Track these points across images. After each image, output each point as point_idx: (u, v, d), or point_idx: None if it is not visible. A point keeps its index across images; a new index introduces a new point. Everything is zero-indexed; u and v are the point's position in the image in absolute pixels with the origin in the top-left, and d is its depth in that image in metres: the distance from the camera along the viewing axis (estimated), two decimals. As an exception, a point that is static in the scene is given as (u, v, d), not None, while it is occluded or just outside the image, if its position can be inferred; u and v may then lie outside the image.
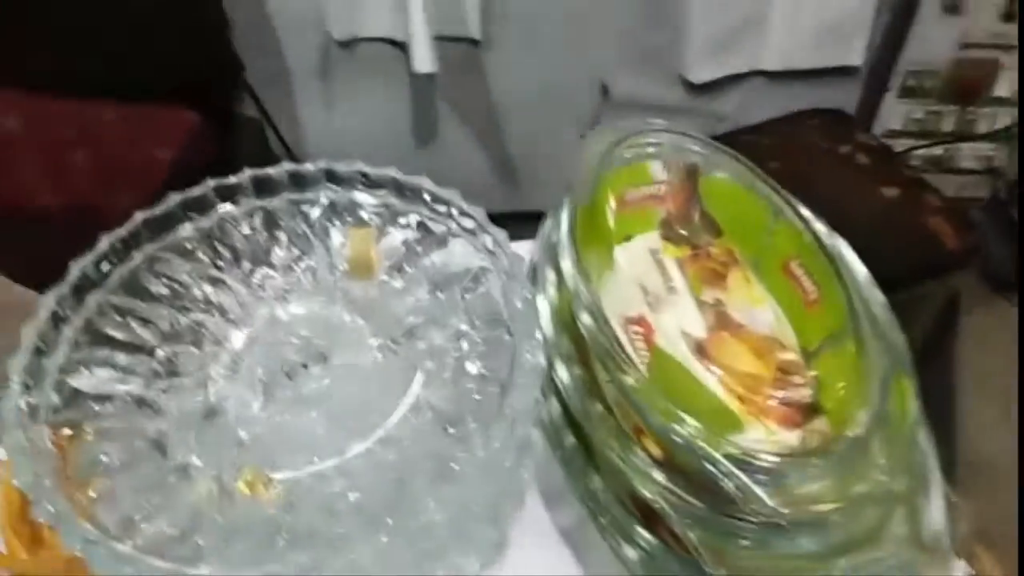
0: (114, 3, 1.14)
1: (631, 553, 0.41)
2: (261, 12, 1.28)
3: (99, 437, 0.38)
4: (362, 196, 0.48)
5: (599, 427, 0.41)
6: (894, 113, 1.40)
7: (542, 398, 0.46)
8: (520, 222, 0.50)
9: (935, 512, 0.39)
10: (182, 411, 0.40)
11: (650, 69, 1.32)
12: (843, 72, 1.36)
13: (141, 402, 0.40)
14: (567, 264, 0.44)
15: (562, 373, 0.44)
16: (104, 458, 0.37)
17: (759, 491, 0.34)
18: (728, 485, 0.35)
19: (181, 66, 1.22)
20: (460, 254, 0.45)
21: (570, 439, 0.45)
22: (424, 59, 1.17)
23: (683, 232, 0.50)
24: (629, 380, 0.38)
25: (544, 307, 0.46)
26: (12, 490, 0.40)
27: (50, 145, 1.17)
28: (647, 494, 0.39)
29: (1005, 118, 1.38)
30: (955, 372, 1.29)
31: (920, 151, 1.42)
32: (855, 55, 1.33)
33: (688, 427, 0.36)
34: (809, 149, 1.29)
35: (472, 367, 0.40)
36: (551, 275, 0.48)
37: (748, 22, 1.30)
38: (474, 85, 1.31)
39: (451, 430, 0.38)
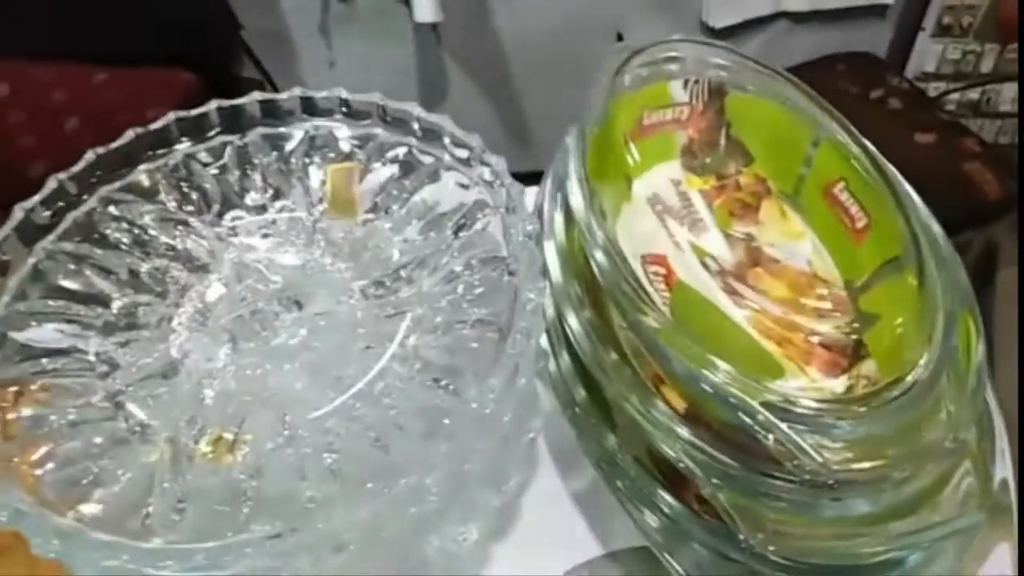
0: None
1: (652, 520, 0.36)
2: (257, -34, 1.23)
3: (48, 396, 0.33)
4: (343, 128, 0.42)
5: (615, 379, 0.36)
6: (928, 54, 1.32)
7: (550, 351, 0.41)
8: (534, 183, 0.45)
9: (1000, 467, 0.34)
10: (140, 367, 0.35)
11: (667, 15, 1.24)
12: (873, 11, 1.28)
13: (96, 358, 0.35)
14: (577, 198, 0.38)
15: (572, 322, 0.38)
16: (53, 418, 0.33)
17: (805, 444, 0.28)
18: (767, 439, 0.29)
19: (176, 26, 1.17)
20: (453, 188, 0.40)
21: (582, 394, 0.40)
22: (426, 8, 1.11)
23: (708, 160, 0.45)
24: (650, 322, 0.33)
25: (551, 250, 0.40)
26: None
27: (42, 111, 1.13)
28: (670, 452, 0.33)
29: (1049, 57, 1.29)
30: (992, 330, 1.22)
31: (956, 94, 1.34)
32: (887, -10, 1.25)
33: (719, 373, 0.30)
34: (838, 95, 1.21)
35: (468, 312, 0.35)
36: (559, 215, 0.42)
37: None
38: (481, 36, 1.24)
39: (443, 382, 0.33)
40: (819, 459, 0.29)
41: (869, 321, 0.36)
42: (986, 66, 1.33)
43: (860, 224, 0.37)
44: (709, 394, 0.31)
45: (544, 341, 0.40)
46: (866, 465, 0.30)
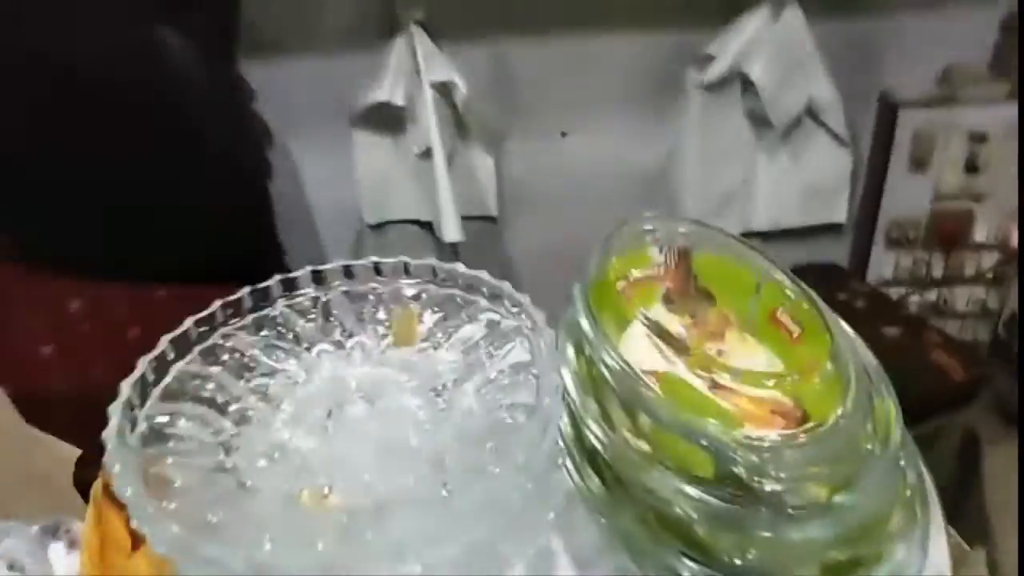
0: (166, 190, 1.29)
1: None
2: (302, 203, 1.45)
3: (176, 466, 0.43)
4: (404, 284, 0.56)
5: (621, 461, 0.46)
6: (884, 263, 1.50)
7: (567, 452, 0.51)
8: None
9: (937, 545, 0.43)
10: (251, 448, 0.45)
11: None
12: (830, 228, 1.49)
13: (215, 444, 0.46)
14: (586, 324, 0.51)
15: (595, 429, 0.49)
16: (178, 483, 0.42)
17: (769, 468, 0.38)
18: (740, 469, 0.39)
19: (229, 250, 1.36)
20: (488, 323, 0.53)
21: (596, 483, 0.49)
22: (452, 230, 1.31)
23: (682, 304, 0.58)
24: (649, 394, 0.44)
25: (568, 377, 0.52)
26: (103, 508, 0.44)
27: (109, 326, 1.27)
28: (678, 510, 0.43)
29: (988, 261, 1.48)
30: (986, 511, 1.28)
31: (916, 296, 1.51)
32: (839, 212, 1.46)
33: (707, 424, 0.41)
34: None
35: (503, 401, 0.46)
36: (571, 351, 0.54)
37: (737, 190, 1.45)
38: (492, 253, 1.44)
39: (489, 445, 0.43)
40: (777, 480, 0.38)
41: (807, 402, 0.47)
42: (936, 272, 1.51)
43: (796, 335, 0.49)
44: (700, 443, 0.41)
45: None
46: (814, 491, 0.40)
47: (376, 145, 1.40)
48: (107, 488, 0.48)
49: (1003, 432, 1.44)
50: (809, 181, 1.44)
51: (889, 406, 0.46)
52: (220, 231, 1.33)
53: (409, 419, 0.46)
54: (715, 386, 0.48)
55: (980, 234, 1.47)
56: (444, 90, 1.31)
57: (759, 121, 1.40)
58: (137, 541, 0.44)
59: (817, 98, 1.37)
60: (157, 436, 0.45)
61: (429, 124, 1.30)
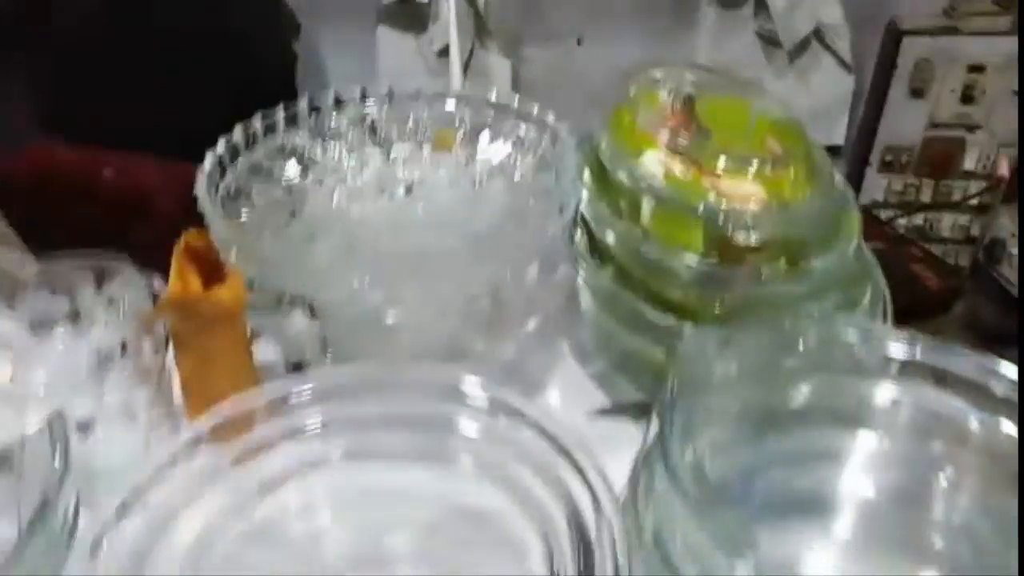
0: (198, 74, 1.33)
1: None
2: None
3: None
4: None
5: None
6: (876, 186, 1.58)
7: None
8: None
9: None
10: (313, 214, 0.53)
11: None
12: (828, 150, 1.55)
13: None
14: (603, 140, 0.59)
15: (606, 224, 0.57)
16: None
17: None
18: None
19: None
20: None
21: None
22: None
23: (683, 142, 0.65)
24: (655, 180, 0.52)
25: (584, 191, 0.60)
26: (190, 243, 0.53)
27: (140, 193, 1.34)
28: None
29: (975, 189, 1.55)
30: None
31: (903, 220, 1.59)
32: (838, 135, 1.53)
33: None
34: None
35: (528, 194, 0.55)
36: (587, 172, 0.62)
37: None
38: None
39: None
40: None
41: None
42: (925, 197, 1.59)
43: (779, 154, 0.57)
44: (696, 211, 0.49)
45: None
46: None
47: (399, 41, 1.45)
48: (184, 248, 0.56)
49: (975, 347, 1.54)
50: (812, 102, 1.50)
51: (854, 218, 0.54)
52: (247, 116, 1.40)
53: (446, 199, 0.54)
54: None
55: (970, 162, 1.54)
56: (468, -12, 1.36)
57: (768, 40, 1.45)
58: (218, 279, 0.52)
59: (826, 21, 1.42)
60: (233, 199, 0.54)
61: (449, 20, 1.35)
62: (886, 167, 1.56)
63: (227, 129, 1.37)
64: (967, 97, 1.48)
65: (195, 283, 0.55)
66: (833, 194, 0.53)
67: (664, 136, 0.59)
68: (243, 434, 0.49)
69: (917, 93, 1.49)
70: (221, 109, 1.37)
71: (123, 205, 1.27)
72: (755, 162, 0.53)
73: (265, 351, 0.58)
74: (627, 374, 0.61)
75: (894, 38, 1.47)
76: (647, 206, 0.53)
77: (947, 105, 1.50)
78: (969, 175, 1.55)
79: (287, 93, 1.41)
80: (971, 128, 1.52)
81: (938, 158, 1.54)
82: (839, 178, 0.58)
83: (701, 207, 0.49)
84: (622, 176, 0.54)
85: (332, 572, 0.45)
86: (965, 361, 0.42)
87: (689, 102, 0.66)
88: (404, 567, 0.46)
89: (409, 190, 0.57)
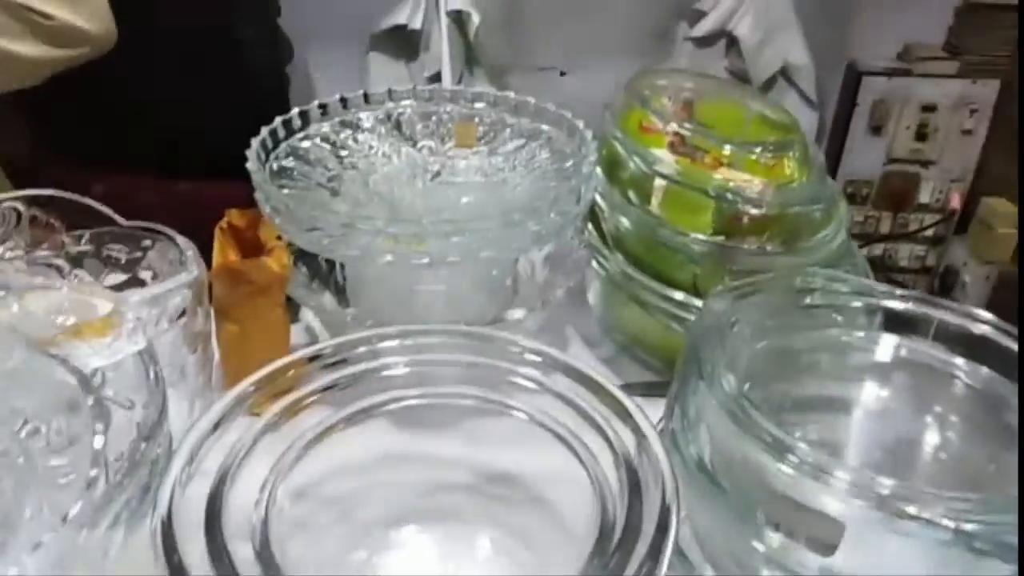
0: (194, 93, 1.36)
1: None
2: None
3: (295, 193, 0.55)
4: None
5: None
6: (839, 216, 1.67)
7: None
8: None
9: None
10: (350, 194, 0.57)
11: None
12: (794, 182, 1.64)
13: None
14: (618, 136, 0.64)
15: (619, 209, 0.62)
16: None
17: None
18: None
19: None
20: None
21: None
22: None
23: (687, 135, 0.71)
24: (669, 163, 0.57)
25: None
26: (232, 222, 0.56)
27: (131, 209, 1.36)
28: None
29: (929, 221, 1.66)
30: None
31: (863, 250, 1.67)
32: (802, 167, 1.62)
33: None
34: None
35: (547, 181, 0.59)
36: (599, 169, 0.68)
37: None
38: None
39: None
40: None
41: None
42: (884, 228, 1.68)
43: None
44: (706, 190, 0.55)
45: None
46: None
47: (389, 67, 1.51)
48: (226, 226, 0.59)
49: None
50: (778, 137, 1.60)
51: (842, 204, 0.60)
52: (242, 136, 1.42)
53: (472, 187, 0.59)
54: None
55: (924, 196, 1.64)
56: (459, 19, 1.43)
57: (739, 77, 1.55)
58: (262, 250, 0.56)
59: (792, 61, 1.52)
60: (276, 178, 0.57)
61: (442, 49, 1.42)
62: (848, 199, 1.63)
63: (224, 148, 1.40)
64: (921, 135, 1.59)
65: (236, 259, 0.58)
66: (825, 179, 0.59)
67: (669, 133, 0.65)
68: (283, 396, 0.52)
69: (876, 130, 1.60)
70: (219, 127, 1.40)
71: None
72: (758, 148, 0.59)
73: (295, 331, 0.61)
74: (636, 355, 0.65)
75: (854, 78, 1.58)
76: (659, 190, 0.58)
77: (903, 142, 1.61)
78: (924, 208, 1.66)
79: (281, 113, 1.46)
80: (925, 164, 1.63)
81: (895, 192, 1.64)
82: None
83: (712, 188, 0.55)
84: (637, 163, 0.59)
85: (384, 527, 0.47)
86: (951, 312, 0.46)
87: (689, 104, 0.72)
88: (457, 522, 0.48)
89: (437, 175, 0.61)
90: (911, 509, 0.33)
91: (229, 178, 1.33)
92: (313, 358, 0.51)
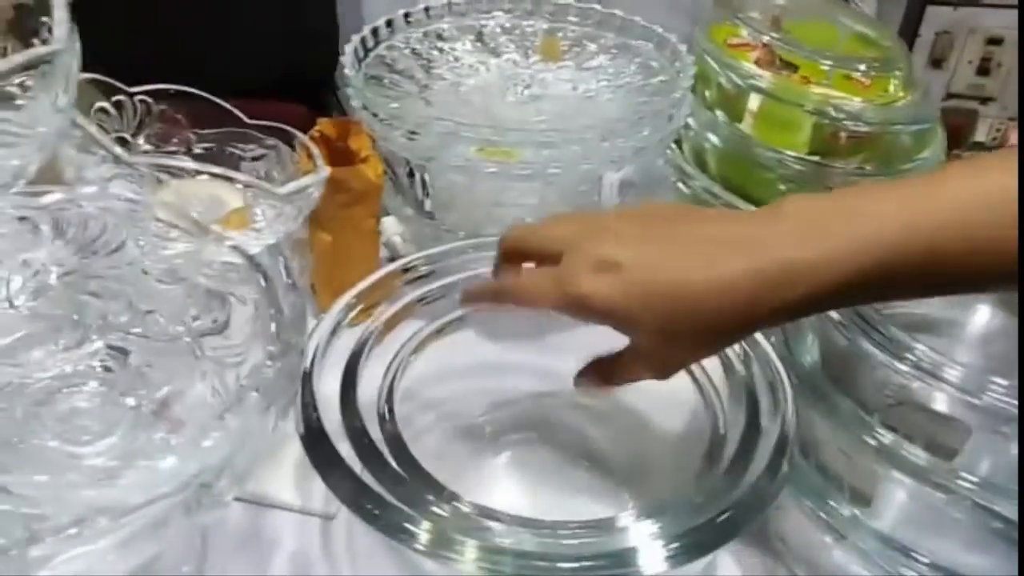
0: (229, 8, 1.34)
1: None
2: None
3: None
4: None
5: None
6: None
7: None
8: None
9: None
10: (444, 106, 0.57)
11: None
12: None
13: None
14: (707, 49, 0.63)
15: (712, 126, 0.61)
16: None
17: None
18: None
19: (295, 73, 1.44)
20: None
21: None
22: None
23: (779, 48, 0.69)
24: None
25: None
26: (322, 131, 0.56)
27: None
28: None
29: (986, 159, 1.62)
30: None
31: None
32: (857, 101, 1.59)
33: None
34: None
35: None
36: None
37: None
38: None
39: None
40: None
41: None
42: (938, 165, 1.65)
43: (867, 83, 0.61)
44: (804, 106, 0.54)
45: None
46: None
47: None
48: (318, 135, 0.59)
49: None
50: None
51: (940, 131, 0.59)
52: (288, 56, 1.41)
53: (561, 100, 0.58)
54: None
55: (981, 134, 1.60)
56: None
57: None
58: (354, 161, 0.56)
59: (853, -13, 1.47)
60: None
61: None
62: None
63: (270, 68, 1.38)
64: (983, 69, 1.54)
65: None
66: (929, 101, 0.58)
67: (757, 48, 0.64)
68: (379, 307, 0.52)
69: (936, 64, 1.55)
70: (265, 50, 1.38)
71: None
72: (862, 65, 0.58)
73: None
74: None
75: (918, 7, 1.52)
76: (754, 106, 0.57)
77: (964, 76, 1.56)
78: (979, 145, 1.62)
79: (329, 31, 1.43)
80: (984, 100, 1.58)
81: (952, 128, 1.59)
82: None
83: (811, 103, 0.54)
84: (730, 77, 0.58)
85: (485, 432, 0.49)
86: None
87: (777, 20, 0.70)
88: (554, 431, 0.49)
89: (528, 87, 0.61)
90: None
91: (275, 98, 1.32)
92: (406, 269, 0.52)
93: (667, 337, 0.32)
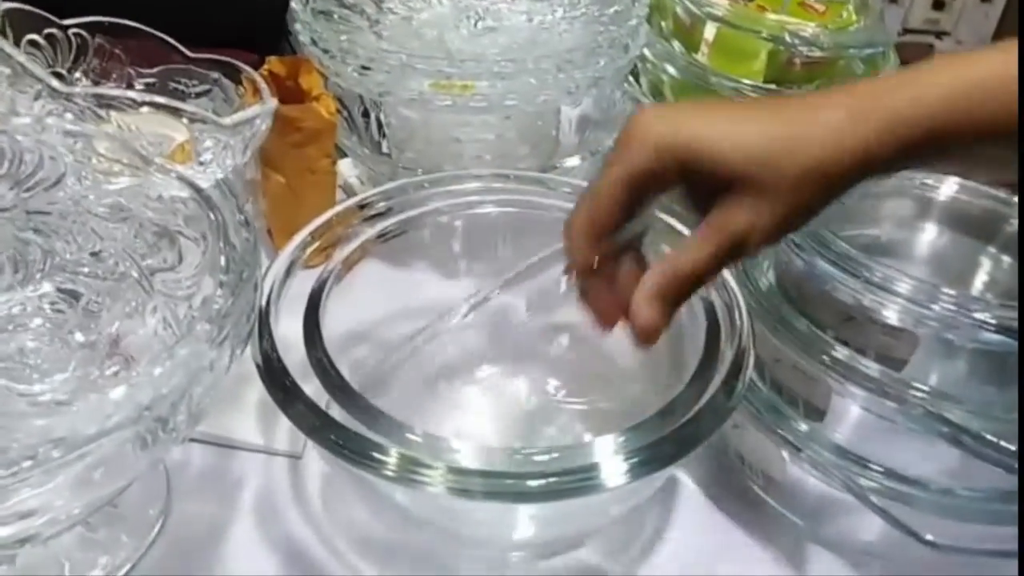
0: None
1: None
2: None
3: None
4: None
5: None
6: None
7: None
8: None
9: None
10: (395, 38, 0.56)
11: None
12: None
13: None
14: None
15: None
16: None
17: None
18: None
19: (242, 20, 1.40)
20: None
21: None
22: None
23: None
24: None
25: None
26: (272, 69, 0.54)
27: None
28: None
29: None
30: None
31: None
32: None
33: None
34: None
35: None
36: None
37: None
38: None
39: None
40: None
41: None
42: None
43: (821, 10, 0.61)
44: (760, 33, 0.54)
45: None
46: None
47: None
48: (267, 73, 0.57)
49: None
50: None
51: (893, 54, 0.59)
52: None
53: (515, 32, 0.57)
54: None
55: (937, 68, 1.62)
56: None
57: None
58: (305, 100, 0.54)
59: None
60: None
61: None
62: (859, 71, 1.63)
63: (220, 15, 1.33)
64: (938, 3, 1.55)
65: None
66: (882, 26, 0.58)
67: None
68: (336, 247, 0.52)
69: (892, -2, 1.55)
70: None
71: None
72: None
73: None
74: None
75: (874, -58, 1.52)
76: (710, 35, 0.57)
77: (919, 11, 1.56)
78: (935, 81, 1.63)
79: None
80: (940, 35, 1.59)
81: (907, 62, 1.61)
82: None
83: (767, 30, 0.54)
84: (686, 6, 0.58)
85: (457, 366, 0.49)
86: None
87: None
88: (525, 364, 0.50)
89: (481, 19, 0.59)
90: (977, 316, 0.34)
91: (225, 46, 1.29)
92: (362, 206, 0.51)
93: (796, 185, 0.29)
